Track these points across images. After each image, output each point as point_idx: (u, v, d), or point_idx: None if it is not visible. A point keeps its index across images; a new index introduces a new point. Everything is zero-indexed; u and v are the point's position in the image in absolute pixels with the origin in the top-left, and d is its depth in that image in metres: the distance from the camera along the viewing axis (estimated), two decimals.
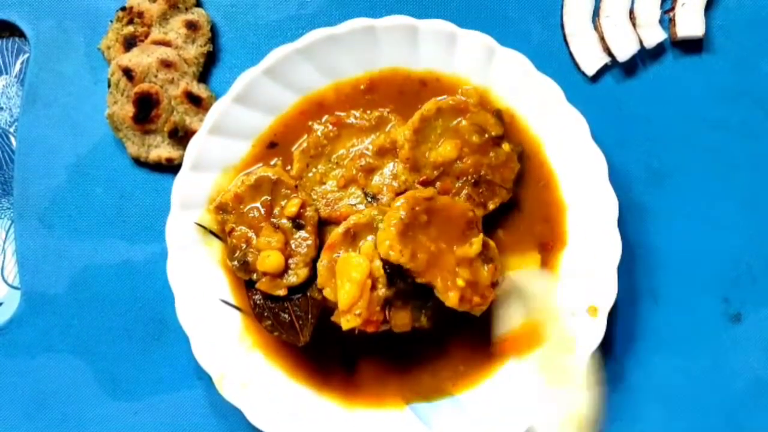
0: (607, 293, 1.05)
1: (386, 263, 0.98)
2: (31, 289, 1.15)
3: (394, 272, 0.99)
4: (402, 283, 1.00)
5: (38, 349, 1.15)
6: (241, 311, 1.08)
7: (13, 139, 1.21)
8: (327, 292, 1.00)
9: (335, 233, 1.02)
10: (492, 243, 1.03)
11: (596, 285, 1.06)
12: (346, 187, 1.07)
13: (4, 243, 1.20)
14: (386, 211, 1.00)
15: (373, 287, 0.98)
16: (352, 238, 1.01)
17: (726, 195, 1.16)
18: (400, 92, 1.10)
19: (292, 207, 1.04)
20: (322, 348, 1.07)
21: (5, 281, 1.19)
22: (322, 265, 1.01)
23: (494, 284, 1.00)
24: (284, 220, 1.04)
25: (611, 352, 1.14)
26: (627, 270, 1.13)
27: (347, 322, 0.98)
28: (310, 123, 1.10)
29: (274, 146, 1.10)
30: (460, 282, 0.98)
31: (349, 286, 0.97)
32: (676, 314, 1.15)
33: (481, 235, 1.01)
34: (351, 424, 1.06)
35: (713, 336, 1.15)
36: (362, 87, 1.10)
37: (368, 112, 1.09)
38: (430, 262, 0.98)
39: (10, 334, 1.15)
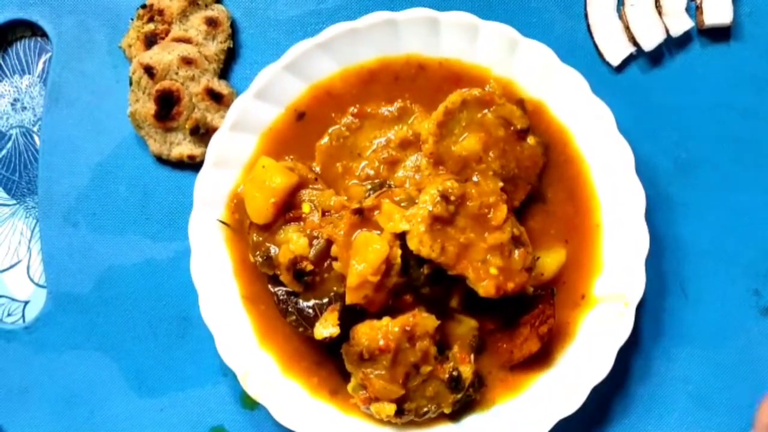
0: (636, 286, 1.04)
1: (411, 254, 0.97)
2: (57, 287, 1.16)
3: (419, 263, 0.98)
4: (416, 277, 0.99)
5: (64, 347, 1.15)
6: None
7: (36, 138, 1.21)
8: (337, 265, 0.99)
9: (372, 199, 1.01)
10: (521, 227, 1.01)
11: (624, 278, 1.04)
12: (370, 179, 1.07)
13: (30, 242, 1.21)
14: (423, 188, 0.99)
15: (387, 273, 0.97)
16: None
17: (756, 185, 1.14)
18: (396, 78, 1.09)
19: (306, 208, 1.04)
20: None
21: (31, 280, 1.20)
22: (338, 233, 0.99)
23: (528, 269, 0.99)
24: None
25: (640, 345, 1.12)
26: (655, 262, 1.12)
27: (351, 297, 0.98)
28: (333, 114, 1.09)
29: (302, 117, 1.09)
30: (493, 270, 0.97)
31: (363, 267, 0.96)
32: (706, 307, 1.13)
33: (512, 219, 0.99)
34: (375, 421, 1.06)
35: (743, 329, 1.13)
36: (364, 79, 1.09)
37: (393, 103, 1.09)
38: (460, 254, 0.97)
39: (37, 333, 1.16)
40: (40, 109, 1.21)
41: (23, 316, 1.19)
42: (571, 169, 1.08)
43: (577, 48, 1.16)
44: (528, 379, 1.06)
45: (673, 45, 1.16)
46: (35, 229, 1.21)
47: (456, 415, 1.05)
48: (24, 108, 1.22)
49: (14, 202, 1.21)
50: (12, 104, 1.22)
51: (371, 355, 0.99)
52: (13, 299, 1.20)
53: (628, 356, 1.11)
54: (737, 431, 1.12)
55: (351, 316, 1.01)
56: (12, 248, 1.20)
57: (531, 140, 1.05)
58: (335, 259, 1.00)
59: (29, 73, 1.22)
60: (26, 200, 1.21)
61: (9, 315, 1.19)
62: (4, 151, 1.21)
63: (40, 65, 1.22)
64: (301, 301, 1.03)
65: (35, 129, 1.22)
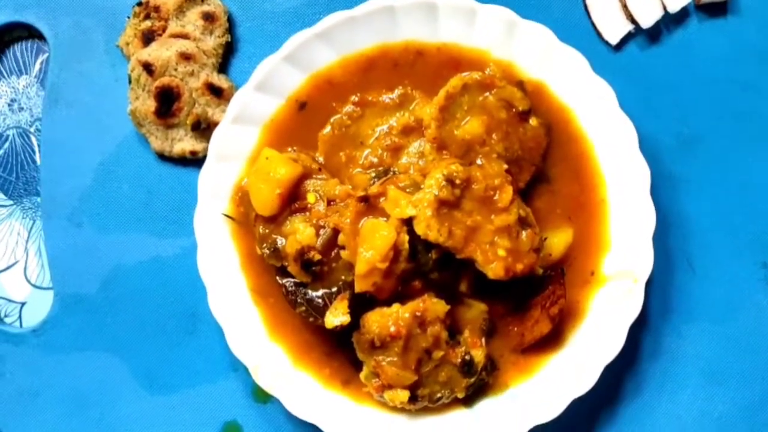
0: (644, 263, 1.04)
1: (418, 239, 0.97)
2: (63, 289, 1.15)
3: (427, 248, 0.98)
4: (424, 262, 0.99)
5: (73, 349, 1.15)
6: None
7: (34, 139, 1.21)
8: (345, 254, 0.99)
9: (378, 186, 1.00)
10: (528, 208, 1.01)
11: (632, 255, 1.04)
12: (374, 167, 1.06)
13: (27, 243, 1.20)
14: (428, 173, 0.99)
15: (395, 260, 0.97)
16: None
17: (759, 157, 1.14)
18: (395, 64, 1.09)
19: (311, 198, 1.03)
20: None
21: (28, 281, 1.19)
22: (345, 221, 0.99)
23: (536, 249, 0.99)
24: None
25: (650, 323, 1.12)
26: (662, 239, 1.12)
27: (360, 285, 0.98)
28: (334, 103, 1.09)
29: (303, 107, 1.09)
30: (501, 252, 0.97)
31: (371, 254, 0.96)
32: (714, 282, 1.13)
33: (518, 201, 0.99)
34: (388, 409, 1.06)
35: (752, 302, 1.13)
36: (363, 67, 1.09)
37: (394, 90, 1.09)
38: (468, 237, 0.97)
39: (46, 335, 1.15)
40: (37, 109, 1.21)
41: (20, 317, 1.19)
42: (575, 149, 1.08)
43: (575, 28, 1.16)
44: (540, 361, 1.06)
45: (671, 21, 1.16)
46: (32, 229, 1.20)
47: (469, 400, 1.05)
48: (21, 108, 1.22)
49: (11, 202, 1.21)
50: (9, 105, 1.22)
51: (382, 342, 0.98)
52: (10, 300, 1.19)
53: (638, 334, 1.11)
54: (750, 405, 1.12)
55: (361, 305, 1.01)
56: (9, 249, 1.20)
57: (533, 121, 1.05)
58: (342, 247, 1.00)
59: (26, 74, 1.22)
60: (23, 201, 1.21)
61: (6, 316, 1.19)
62: (1, 152, 1.21)
63: (37, 65, 1.22)
64: (310, 291, 1.03)
65: (32, 129, 1.21)
